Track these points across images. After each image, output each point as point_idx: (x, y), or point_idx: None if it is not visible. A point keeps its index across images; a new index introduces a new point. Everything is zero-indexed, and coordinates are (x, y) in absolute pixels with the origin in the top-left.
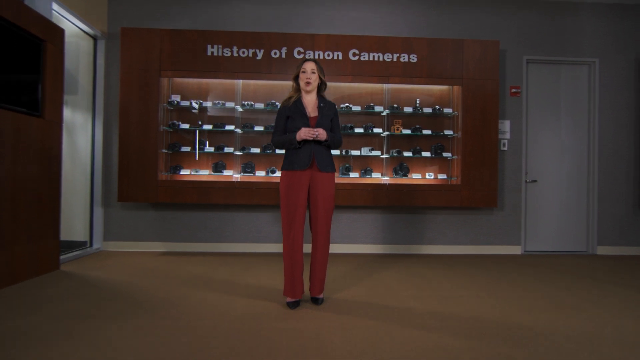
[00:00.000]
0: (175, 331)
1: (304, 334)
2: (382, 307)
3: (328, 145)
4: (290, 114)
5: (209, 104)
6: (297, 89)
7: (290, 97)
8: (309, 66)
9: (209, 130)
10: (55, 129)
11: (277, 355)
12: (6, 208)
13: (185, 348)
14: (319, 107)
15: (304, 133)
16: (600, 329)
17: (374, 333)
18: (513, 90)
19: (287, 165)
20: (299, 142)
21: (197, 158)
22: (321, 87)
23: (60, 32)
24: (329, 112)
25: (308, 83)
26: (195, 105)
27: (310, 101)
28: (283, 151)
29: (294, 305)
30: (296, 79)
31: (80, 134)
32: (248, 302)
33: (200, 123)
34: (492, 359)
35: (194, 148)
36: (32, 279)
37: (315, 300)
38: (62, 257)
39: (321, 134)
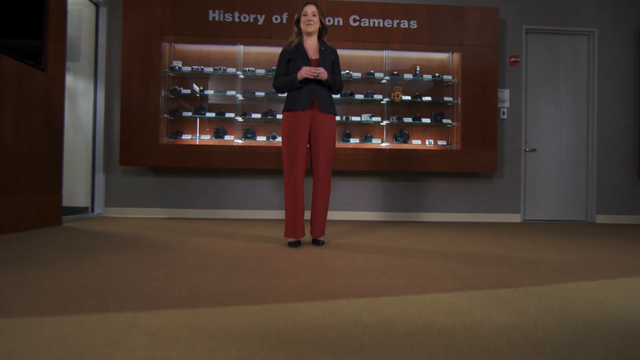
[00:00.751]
0: (177, 258)
1: (306, 260)
2: (383, 247)
3: (329, 86)
4: (292, 56)
5: (210, 69)
6: (299, 34)
7: (291, 42)
8: (310, 9)
9: (210, 96)
10: (58, 85)
11: (280, 272)
12: (8, 158)
13: (187, 270)
14: (320, 51)
15: (305, 71)
16: (598, 261)
17: (375, 260)
18: (512, 59)
19: (289, 105)
20: (300, 82)
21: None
22: (322, 31)
23: None
24: (330, 56)
25: (309, 24)
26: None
27: (311, 45)
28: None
29: (295, 244)
30: (297, 23)
31: (82, 100)
32: (249, 243)
33: (201, 88)
34: (492, 276)
35: (195, 113)
36: (34, 230)
37: (317, 242)
38: (63, 218)
39: (322, 72)
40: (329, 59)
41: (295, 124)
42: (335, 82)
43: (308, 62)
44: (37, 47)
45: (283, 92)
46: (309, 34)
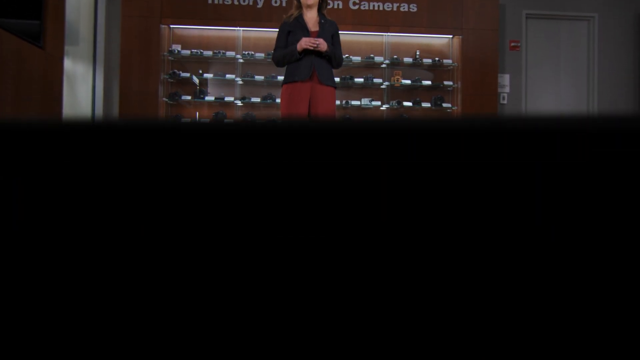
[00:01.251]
0: None
1: None
2: None
3: (329, 58)
4: (291, 29)
5: (209, 53)
6: (298, 7)
7: (291, 14)
8: None
9: (209, 80)
10: (57, 64)
11: None
12: None
13: None
14: (320, 23)
15: (304, 42)
16: None
17: None
18: (512, 44)
19: (288, 78)
20: (300, 53)
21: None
22: (322, 4)
23: None
24: (330, 29)
25: None
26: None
27: (311, 18)
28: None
29: None
30: None
31: (81, 84)
32: None
33: (200, 72)
34: None
35: (194, 97)
36: None
37: None
38: None
39: (322, 43)
40: (329, 31)
41: (295, 95)
42: (335, 55)
43: (308, 34)
44: (36, 25)
45: (282, 65)
46: (309, 6)
